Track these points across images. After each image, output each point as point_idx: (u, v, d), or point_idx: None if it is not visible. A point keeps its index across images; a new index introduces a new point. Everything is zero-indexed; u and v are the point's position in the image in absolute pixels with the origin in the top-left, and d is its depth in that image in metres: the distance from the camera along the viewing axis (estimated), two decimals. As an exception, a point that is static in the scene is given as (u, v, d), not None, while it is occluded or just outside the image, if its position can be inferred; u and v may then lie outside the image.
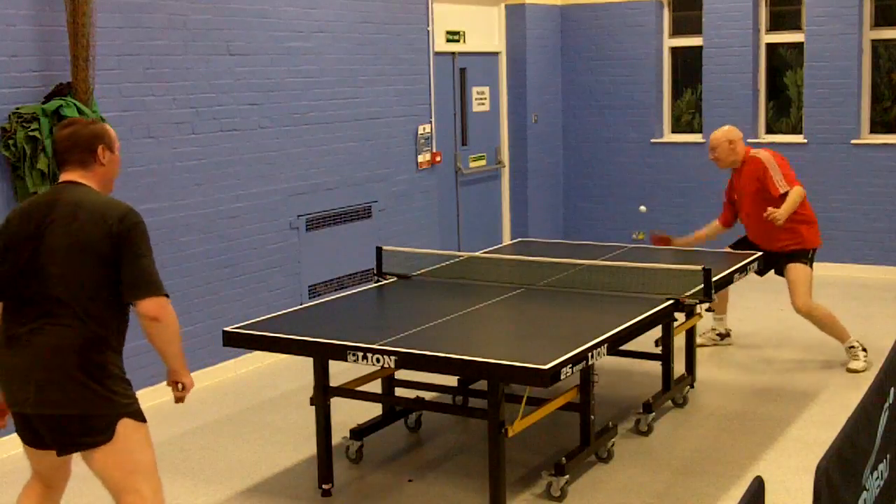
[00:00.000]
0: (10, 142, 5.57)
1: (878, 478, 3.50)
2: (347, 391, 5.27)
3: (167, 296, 3.64)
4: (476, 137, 9.95)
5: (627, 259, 6.38)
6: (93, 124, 3.75)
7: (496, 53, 10.24)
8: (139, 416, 3.67)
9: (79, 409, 3.52)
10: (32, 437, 3.66)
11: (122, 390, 3.61)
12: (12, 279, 3.60)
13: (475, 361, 4.34)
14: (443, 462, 5.48)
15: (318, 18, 7.75)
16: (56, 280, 3.53)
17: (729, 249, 7.07)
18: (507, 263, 6.47)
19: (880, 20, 9.61)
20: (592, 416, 5.18)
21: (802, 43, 9.76)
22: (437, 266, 6.42)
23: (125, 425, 3.59)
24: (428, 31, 8.92)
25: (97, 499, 5.09)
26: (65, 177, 3.70)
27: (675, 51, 10.57)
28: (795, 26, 9.92)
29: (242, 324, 5.14)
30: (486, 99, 10.07)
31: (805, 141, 9.77)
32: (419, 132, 8.85)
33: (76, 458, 3.75)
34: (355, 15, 8.10)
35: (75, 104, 5.69)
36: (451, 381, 5.90)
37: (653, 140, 10.55)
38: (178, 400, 3.91)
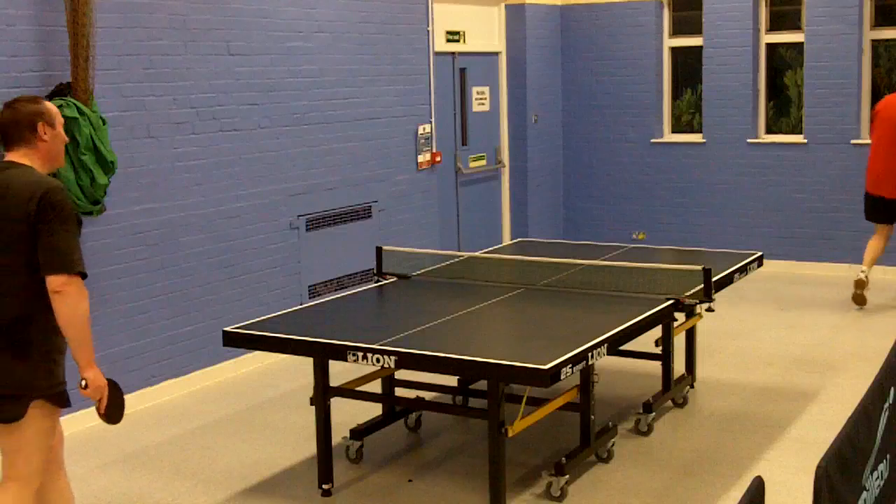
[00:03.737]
0: (10, 142, 5.56)
1: (878, 478, 3.50)
2: (347, 391, 5.27)
3: (81, 275, 3.64)
4: (476, 137, 9.95)
5: (627, 259, 6.38)
6: (33, 103, 3.83)
7: (496, 53, 10.24)
8: (57, 401, 3.73)
9: (3, 384, 3.64)
10: None
11: (42, 372, 3.67)
12: None
13: (475, 361, 4.34)
14: (443, 462, 5.48)
15: (318, 18, 7.75)
16: None
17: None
18: (507, 263, 6.47)
19: (880, 20, 9.61)
20: (592, 416, 5.18)
21: (802, 43, 9.76)
22: (437, 266, 6.42)
23: (38, 406, 3.67)
24: (428, 31, 8.92)
25: (98, 499, 5.09)
26: (8, 157, 3.81)
27: (675, 51, 10.57)
28: (795, 26, 9.93)
29: (242, 324, 5.14)
30: (486, 99, 10.07)
31: (805, 141, 9.77)
32: (419, 132, 8.85)
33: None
34: (355, 15, 8.10)
35: (75, 104, 5.69)
36: (451, 381, 5.90)
37: (653, 140, 10.55)
38: (99, 414, 3.85)
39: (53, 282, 3.58)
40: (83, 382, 3.73)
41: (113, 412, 3.87)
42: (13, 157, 3.78)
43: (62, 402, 3.75)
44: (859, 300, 8.32)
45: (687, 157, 10.38)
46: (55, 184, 3.71)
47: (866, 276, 8.32)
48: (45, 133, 3.79)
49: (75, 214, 3.71)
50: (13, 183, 3.67)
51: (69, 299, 3.59)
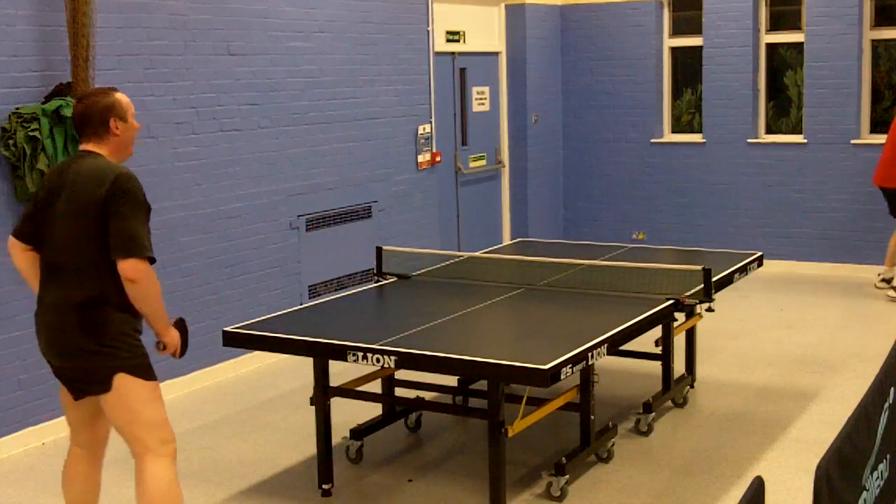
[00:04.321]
0: (10, 142, 5.57)
1: (878, 478, 3.50)
2: (347, 391, 5.27)
3: (150, 258, 3.81)
4: (476, 137, 9.95)
5: (627, 259, 6.38)
6: (105, 96, 3.95)
7: (496, 53, 10.24)
8: (140, 373, 3.86)
9: (80, 363, 3.81)
10: (64, 384, 3.98)
11: (122, 346, 3.82)
12: (40, 239, 3.98)
13: (475, 361, 4.34)
14: (443, 462, 5.48)
15: (318, 18, 7.75)
16: (59, 245, 3.84)
17: None
18: (507, 263, 6.47)
19: (880, 20, 9.61)
20: (592, 416, 5.18)
21: (802, 43, 9.76)
22: (437, 266, 6.42)
23: (122, 379, 3.81)
24: (428, 31, 8.92)
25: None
26: (82, 147, 3.97)
27: (675, 51, 10.57)
28: (795, 26, 9.92)
29: (242, 324, 5.14)
30: (486, 99, 10.07)
31: (805, 141, 9.77)
32: (419, 132, 8.85)
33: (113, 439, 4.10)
34: (355, 15, 8.10)
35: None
36: (451, 381, 5.90)
37: (653, 140, 10.55)
38: (173, 356, 4.10)
39: (124, 267, 3.74)
40: (161, 345, 3.96)
41: (183, 351, 4.11)
42: (86, 147, 3.94)
43: (148, 374, 3.89)
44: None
45: (687, 157, 10.38)
46: (125, 171, 3.84)
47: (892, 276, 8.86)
48: (116, 127, 3.93)
49: (145, 201, 3.84)
50: (83, 170, 3.83)
51: (141, 284, 3.77)
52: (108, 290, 3.80)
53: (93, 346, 3.78)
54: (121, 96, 3.98)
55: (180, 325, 4.10)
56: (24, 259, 4.02)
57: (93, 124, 3.90)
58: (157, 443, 3.90)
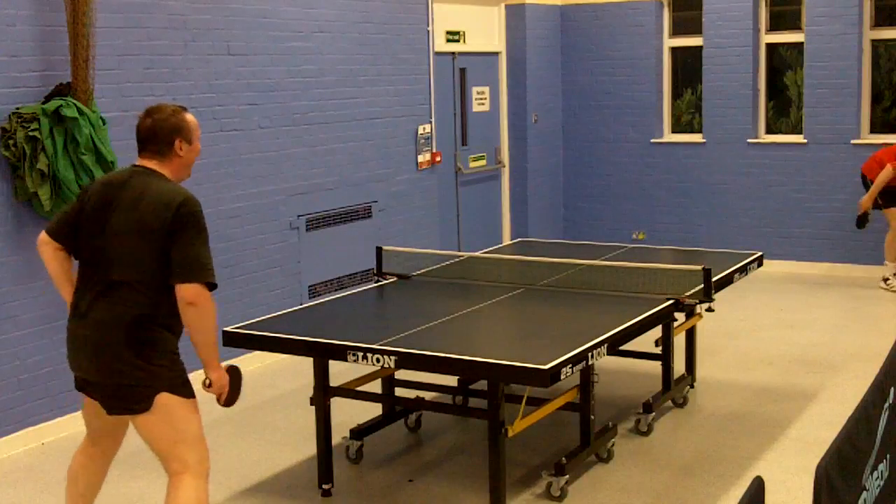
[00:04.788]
0: (10, 142, 5.57)
1: (878, 478, 3.50)
2: (347, 391, 5.27)
3: (212, 285, 3.75)
4: (476, 137, 9.95)
5: (627, 259, 6.38)
6: (174, 116, 3.91)
7: (496, 53, 10.24)
8: (182, 390, 3.86)
9: (123, 380, 3.74)
10: (96, 399, 3.91)
11: (166, 364, 3.80)
12: (85, 248, 3.87)
13: (475, 361, 4.34)
14: (443, 462, 5.48)
15: (318, 18, 7.75)
16: (115, 261, 3.75)
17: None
18: (507, 263, 6.47)
19: (880, 20, 9.61)
20: (592, 416, 5.18)
21: (802, 43, 9.76)
22: (437, 266, 6.42)
23: (164, 398, 3.79)
24: (428, 31, 8.92)
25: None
26: (141, 161, 3.91)
27: (675, 51, 10.57)
28: (795, 26, 9.93)
29: (242, 324, 5.14)
30: (486, 99, 10.07)
31: (805, 141, 9.77)
32: (419, 132, 8.85)
33: (131, 437, 4.05)
34: (355, 15, 8.10)
35: (75, 104, 5.69)
36: (451, 381, 5.90)
37: (653, 140, 10.55)
38: (219, 402, 4.05)
39: (186, 291, 3.69)
40: (207, 381, 3.91)
41: (230, 400, 4.06)
42: (147, 163, 3.90)
43: (188, 391, 3.89)
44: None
45: (687, 157, 10.38)
46: (190, 195, 3.82)
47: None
48: (180, 149, 3.91)
49: (206, 226, 3.82)
50: (148, 189, 3.79)
51: (200, 308, 3.72)
52: (160, 310, 3.75)
53: (141, 363, 3.72)
54: (190, 118, 3.94)
55: (232, 372, 4.02)
56: (55, 258, 3.92)
57: (157, 142, 3.86)
58: (196, 461, 3.87)
